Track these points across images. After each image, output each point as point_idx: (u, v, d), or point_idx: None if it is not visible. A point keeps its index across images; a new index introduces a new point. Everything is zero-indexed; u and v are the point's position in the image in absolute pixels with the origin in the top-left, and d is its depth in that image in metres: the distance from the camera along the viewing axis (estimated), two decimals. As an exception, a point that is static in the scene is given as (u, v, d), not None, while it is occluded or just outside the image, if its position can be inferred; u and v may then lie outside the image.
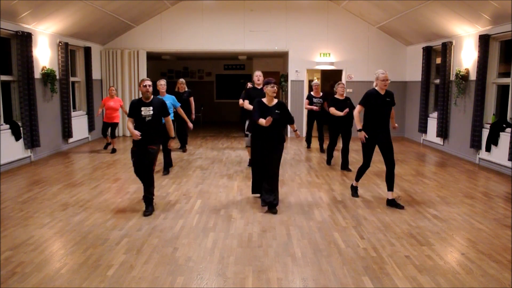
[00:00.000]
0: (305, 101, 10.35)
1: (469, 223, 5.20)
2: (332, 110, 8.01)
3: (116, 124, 10.07)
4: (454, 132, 10.04)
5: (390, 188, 5.88)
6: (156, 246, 4.42)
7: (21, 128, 8.54)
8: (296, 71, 13.10)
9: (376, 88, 5.80)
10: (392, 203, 5.84)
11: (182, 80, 10.04)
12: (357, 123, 5.84)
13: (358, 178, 6.33)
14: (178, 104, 7.97)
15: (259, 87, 7.55)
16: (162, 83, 7.75)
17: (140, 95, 5.69)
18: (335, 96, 8.21)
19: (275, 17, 12.96)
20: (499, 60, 8.66)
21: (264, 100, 5.62)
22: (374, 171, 8.16)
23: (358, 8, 12.31)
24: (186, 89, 9.99)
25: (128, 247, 4.39)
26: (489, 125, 8.50)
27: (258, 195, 6.04)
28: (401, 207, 5.75)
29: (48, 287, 3.58)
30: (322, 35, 13.02)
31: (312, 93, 10.24)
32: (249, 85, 8.09)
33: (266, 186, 5.56)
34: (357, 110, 5.89)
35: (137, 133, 5.33)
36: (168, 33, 12.97)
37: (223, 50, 13.22)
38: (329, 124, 8.42)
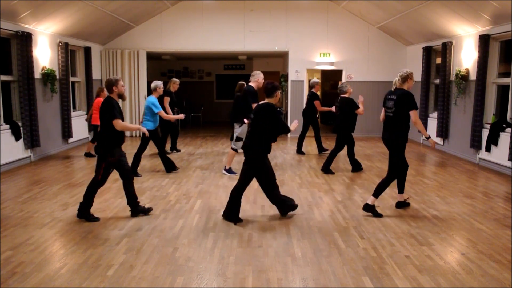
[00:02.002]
0: (317, 102, 9.73)
1: (469, 223, 5.20)
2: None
3: None
4: (454, 132, 10.04)
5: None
6: (156, 246, 4.42)
7: (21, 128, 8.54)
8: (296, 71, 13.11)
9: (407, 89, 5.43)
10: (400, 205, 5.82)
11: (178, 81, 9.95)
12: (425, 131, 5.65)
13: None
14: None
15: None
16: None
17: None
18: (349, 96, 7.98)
19: (275, 17, 12.96)
20: (499, 60, 8.66)
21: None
22: (375, 171, 8.16)
23: (358, 8, 12.31)
24: None
25: (128, 247, 4.39)
26: (489, 125, 8.50)
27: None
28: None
29: (48, 287, 3.58)
30: (322, 35, 13.03)
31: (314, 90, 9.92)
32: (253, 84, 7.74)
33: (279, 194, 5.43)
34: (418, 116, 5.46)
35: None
36: (168, 33, 12.97)
37: (223, 50, 13.22)
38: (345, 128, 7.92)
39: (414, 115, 5.31)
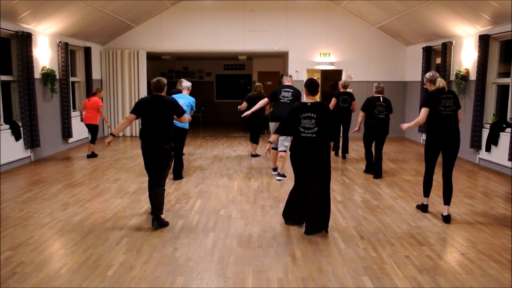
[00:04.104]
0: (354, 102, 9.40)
1: (469, 223, 5.20)
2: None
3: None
4: (454, 132, 10.02)
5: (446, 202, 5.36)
6: (156, 246, 4.42)
7: (21, 128, 8.54)
8: (296, 71, 13.10)
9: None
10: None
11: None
12: None
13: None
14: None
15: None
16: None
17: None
18: None
19: (275, 17, 12.96)
20: (499, 60, 8.67)
21: None
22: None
23: (358, 8, 12.31)
24: None
25: (128, 247, 4.39)
26: (489, 125, 8.50)
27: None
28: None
29: (48, 287, 3.58)
30: (322, 35, 13.03)
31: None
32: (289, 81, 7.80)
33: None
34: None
35: None
36: (168, 33, 12.97)
37: (223, 50, 13.22)
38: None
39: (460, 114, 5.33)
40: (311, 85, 4.95)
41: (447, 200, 5.29)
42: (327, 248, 4.39)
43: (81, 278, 3.72)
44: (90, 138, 9.64)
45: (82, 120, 9.49)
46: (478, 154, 8.89)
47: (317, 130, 4.71)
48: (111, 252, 4.27)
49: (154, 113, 5.02)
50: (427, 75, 5.46)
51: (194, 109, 7.58)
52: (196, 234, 4.79)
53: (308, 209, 4.82)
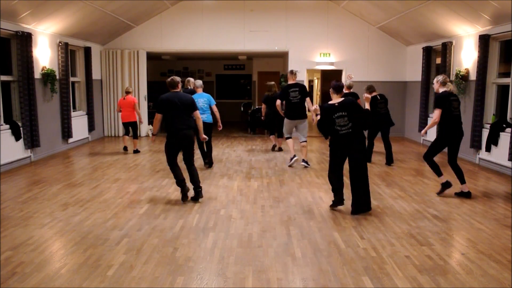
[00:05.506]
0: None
1: (469, 223, 5.20)
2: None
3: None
4: (454, 132, 10.02)
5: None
6: (156, 246, 4.42)
7: (21, 128, 8.54)
8: (296, 71, 13.06)
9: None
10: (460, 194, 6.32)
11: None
12: None
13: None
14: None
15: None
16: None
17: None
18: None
19: (275, 17, 12.96)
20: (499, 60, 8.66)
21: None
22: (375, 171, 8.16)
23: (358, 8, 12.31)
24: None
25: (128, 247, 4.39)
26: (489, 125, 8.50)
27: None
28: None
29: (48, 287, 3.58)
30: (322, 35, 13.03)
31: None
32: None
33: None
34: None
35: None
36: (168, 33, 12.98)
37: (223, 50, 13.22)
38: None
39: None
40: (337, 87, 5.64)
41: (463, 180, 6.26)
42: (327, 248, 4.39)
43: (81, 278, 3.72)
44: (132, 135, 10.10)
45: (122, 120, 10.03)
46: (478, 154, 8.89)
47: (352, 125, 5.40)
48: (111, 252, 4.26)
49: (177, 108, 5.81)
50: (441, 78, 6.21)
51: (214, 102, 8.22)
52: (196, 234, 4.79)
53: (353, 191, 5.56)
